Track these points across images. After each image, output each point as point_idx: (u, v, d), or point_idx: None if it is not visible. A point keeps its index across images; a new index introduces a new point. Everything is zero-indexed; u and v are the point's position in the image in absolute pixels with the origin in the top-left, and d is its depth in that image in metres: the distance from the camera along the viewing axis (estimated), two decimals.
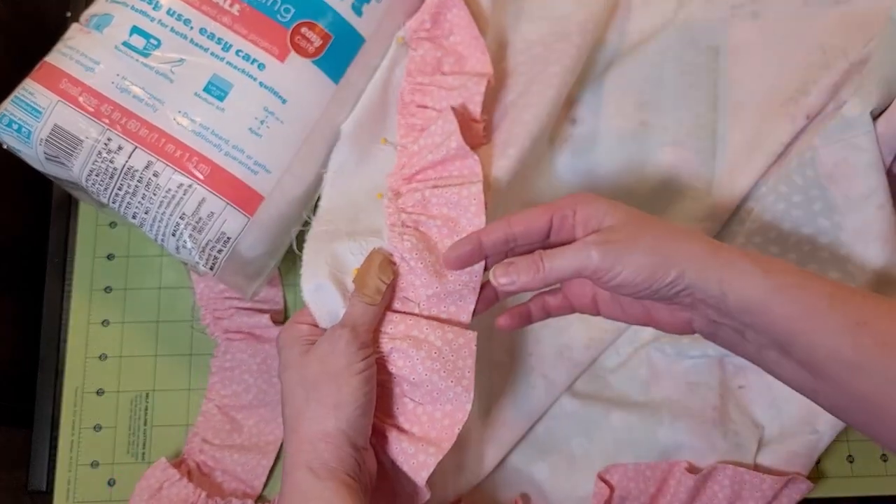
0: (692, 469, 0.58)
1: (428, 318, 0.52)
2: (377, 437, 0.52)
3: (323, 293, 0.53)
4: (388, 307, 0.53)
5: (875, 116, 0.56)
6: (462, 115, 0.57)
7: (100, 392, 0.64)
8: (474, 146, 0.56)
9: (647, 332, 0.63)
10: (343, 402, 0.48)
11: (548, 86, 0.60)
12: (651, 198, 0.64)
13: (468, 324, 0.53)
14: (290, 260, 0.66)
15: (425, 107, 0.58)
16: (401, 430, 0.52)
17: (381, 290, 0.51)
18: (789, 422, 0.61)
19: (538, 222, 0.49)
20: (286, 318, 0.65)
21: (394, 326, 0.52)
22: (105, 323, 0.65)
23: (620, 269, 0.44)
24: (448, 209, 0.54)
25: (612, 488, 0.59)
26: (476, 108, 0.57)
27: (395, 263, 0.53)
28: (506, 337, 0.62)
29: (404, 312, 0.53)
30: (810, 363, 0.43)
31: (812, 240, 0.59)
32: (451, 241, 0.52)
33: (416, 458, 0.51)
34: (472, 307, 0.53)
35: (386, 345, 0.52)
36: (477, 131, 0.58)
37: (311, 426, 0.48)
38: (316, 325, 0.54)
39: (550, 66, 0.61)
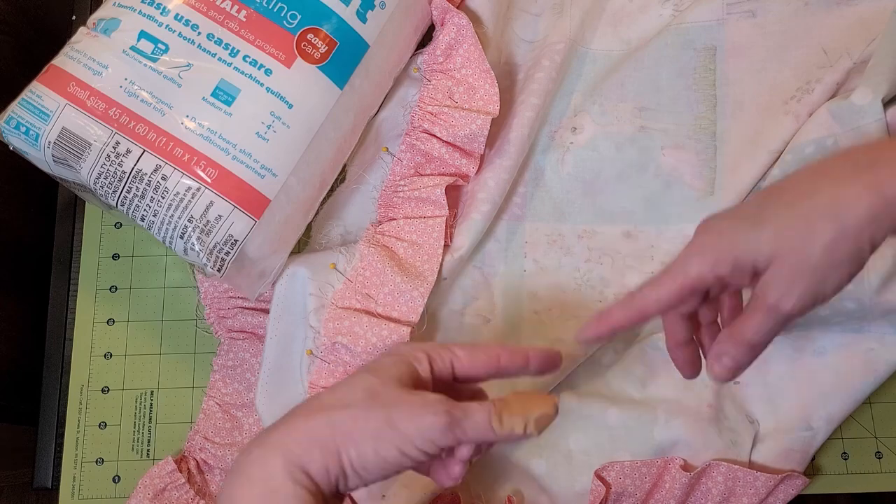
0: (686, 467, 0.59)
1: (375, 315, 0.59)
2: None
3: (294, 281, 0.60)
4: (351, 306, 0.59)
5: (885, 104, 0.55)
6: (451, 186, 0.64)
7: (105, 390, 0.65)
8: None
9: (643, 329, 0.64)
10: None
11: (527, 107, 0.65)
12: (654, 200, 0.65)
13: (416, 322, 0.59)
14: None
15: (431, 135, 0.63)
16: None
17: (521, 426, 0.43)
18: (785, 418, 0.61)
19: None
20: None
21: (339, 322, 0.59)
22: (110, 322, 0.66)
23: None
24: (416, 236, 0.62)
25: (608, 486, 0.59)
26: (479, 147, 0.62)
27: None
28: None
29: (360, 310, 0.59)
30: None
31: None
32: (413, 258, 0.61)
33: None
34: (420, 308, 0.59)
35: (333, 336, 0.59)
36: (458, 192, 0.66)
37: None
38: None
39: (528, 95, 0.65)
